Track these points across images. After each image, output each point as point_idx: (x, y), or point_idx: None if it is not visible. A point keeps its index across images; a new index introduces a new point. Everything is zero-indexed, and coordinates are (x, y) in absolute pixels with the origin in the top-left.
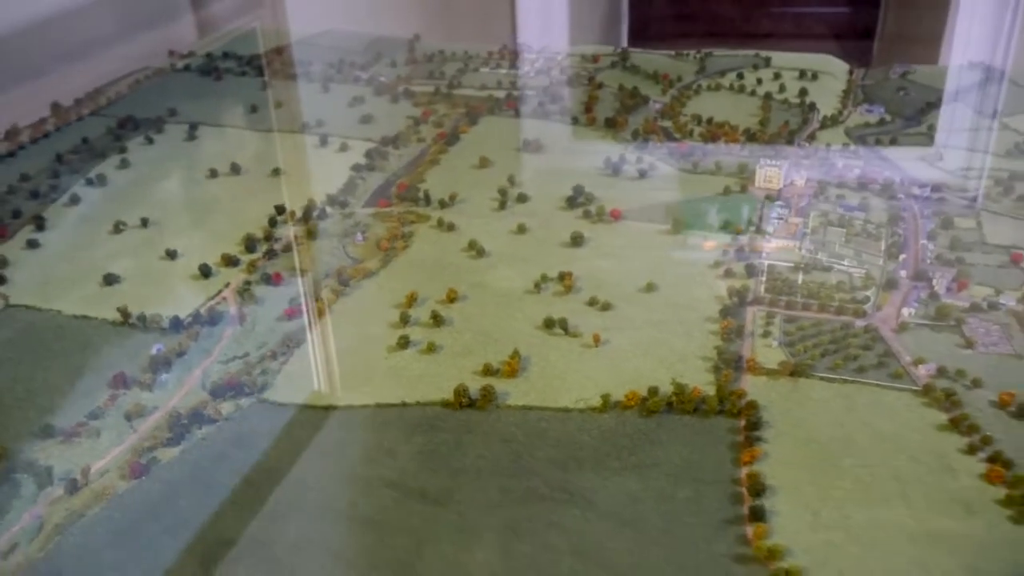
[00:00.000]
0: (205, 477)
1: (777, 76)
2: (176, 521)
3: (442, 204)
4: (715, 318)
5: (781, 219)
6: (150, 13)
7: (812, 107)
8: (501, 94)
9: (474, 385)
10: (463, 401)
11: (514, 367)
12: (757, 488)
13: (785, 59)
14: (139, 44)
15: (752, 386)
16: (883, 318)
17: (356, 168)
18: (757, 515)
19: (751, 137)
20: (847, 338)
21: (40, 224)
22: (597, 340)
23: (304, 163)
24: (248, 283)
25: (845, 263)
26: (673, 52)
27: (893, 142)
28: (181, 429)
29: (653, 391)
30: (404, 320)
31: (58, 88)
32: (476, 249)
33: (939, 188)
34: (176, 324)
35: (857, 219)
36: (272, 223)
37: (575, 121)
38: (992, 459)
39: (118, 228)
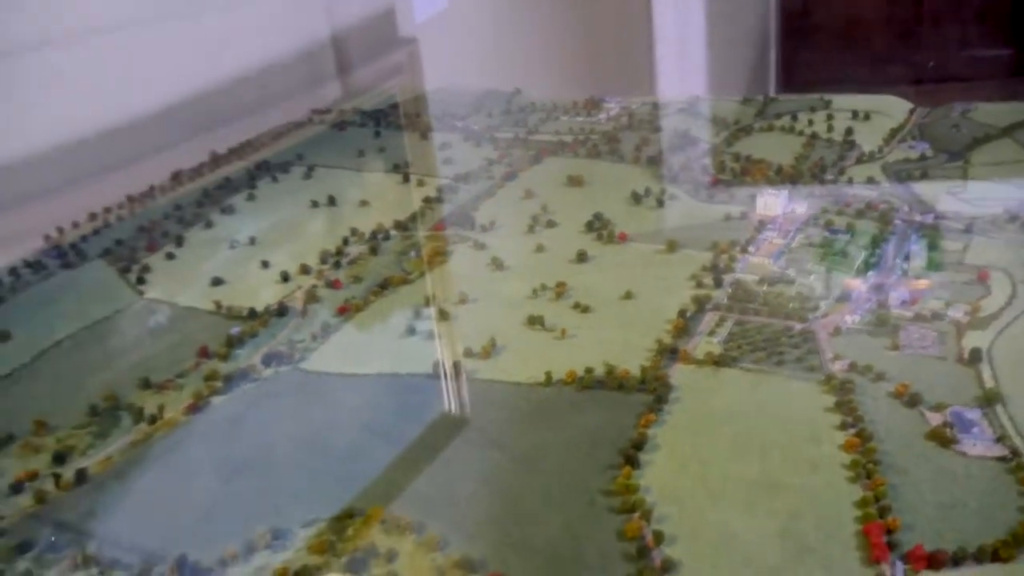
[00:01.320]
0: (234, 415)
1: (830, 117)
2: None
3: (483, 228)
4: (675, 320)
5: (766, 240)
6: (303, 79)
7: (852, 144)
8: (569, 139)
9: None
10: (439, 372)
11: (488, 351)
12: (637, 443)
13: (846, 101)
14: (291, 105)
15: (678, 372)
16: (824, 324)
17: (427, 200)
18: (629, 461)
19: (779, 172)
20: (782, 338)
21: (179, 242)
22: (564, 333)
23: (386, 196)
24: (315, 286)
25: (811, 278)
26: (741, 98)
27: (924, 176)
28: (232, 384)
29: (589, 370)
30: (416, 313)
31: (219, 141)
32: (496, 264)
33: (941, 215)
34: (252, 314)
35: (839, 241)
36: (345, 242)
37: (621, 160)
38: (858, 434)
39: (232, 245)
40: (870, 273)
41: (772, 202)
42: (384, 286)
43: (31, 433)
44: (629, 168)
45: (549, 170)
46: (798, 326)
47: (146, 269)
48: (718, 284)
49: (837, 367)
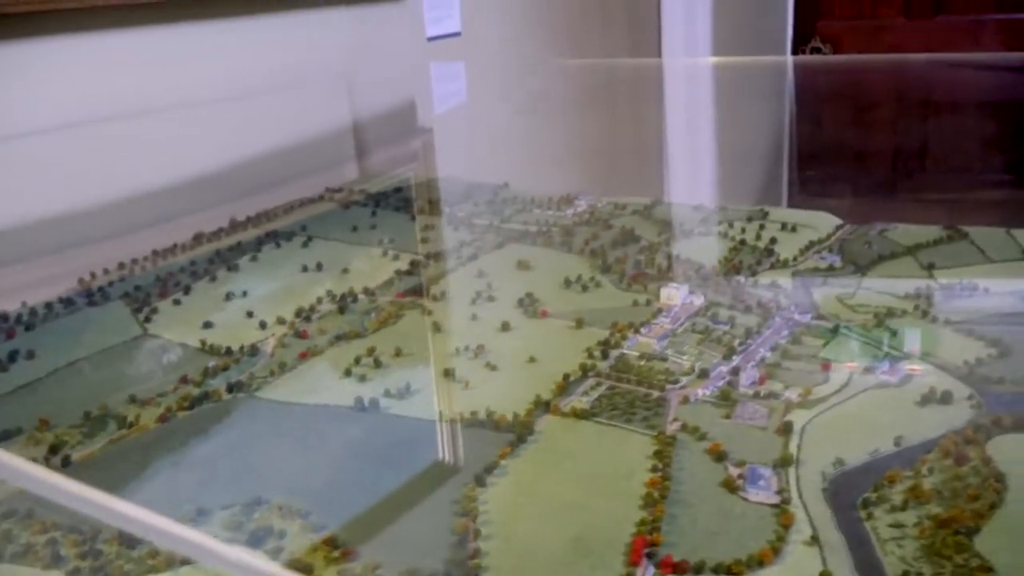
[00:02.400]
0: (190, 425)
1: (762, 227)
2: (166, 439)
3: (434, 298)
4: (559, 382)
5: (658, 324)
6: (325, 160)
7: (771, 251)
8: (533, 229)
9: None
10: (359, 405)
11: (402, 392)
12: (489, 468)
13: (781, 213)
14: (309, 182)
15: (544, 421)
16: (678, 394)
17: (397, 272)
18: (477, 480)
19: (698, 270)
20: (638, 402)
21: (187, 291)
22: (467, 385)
23: (365, 266)
24: (286, 335)
25: (684, 358)
26: (695, 205)
27: (823, 283)
28: (197, 402)
29: (473, 413)
30: (356, 361)
31: (240, 210)
32: (435, 327)
33: (820, 316)
34: (228, 352)
35: (719, 330)
36: (319, 301)
37: (569, 250)
38: (662, 475)
39: (228, 297)
40: (734, 357)
41: (673, 294)
42: (341, 338)
43: (35, 429)
44: (572, 258)
45: (507, 255)
46: (656, 394)
47: (154, 311)
48: (604, 356)
49: (671, 427)
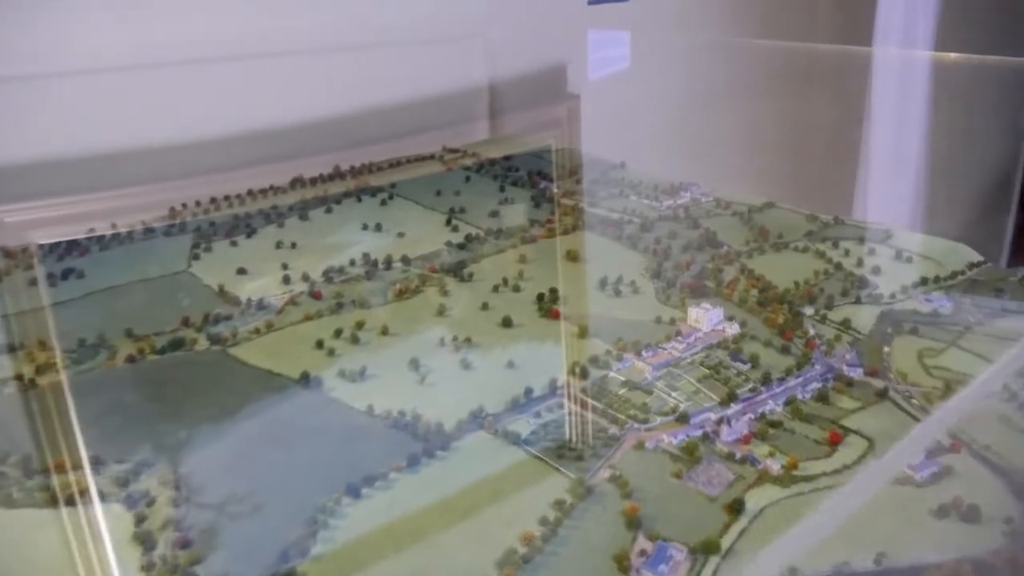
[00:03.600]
0: (148, 369)
1: (872, 252)
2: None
3: (461, 278)
4: (519, 395)
5: (666, 350)
6: (453, 116)
7: (865, 282)
8: (615, 216)
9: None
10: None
11: (355, 376)
12: (371, 479)
13: (905, 239)
14: (430, 138)
15: (471, 438)
16: (638, 435)
17: (448, 244)
18: (350, 490)
19: (763, 291)
20: (588, 435)
21: (250, 234)
22: (423, 380)
23: (422, 233)
24: (301, 293)
25: (673, 394)
26: (808, 214)
27: (913, 331)
28: (172, 347)
29: (402, 413)
30: (337, 333)
31: (350, 158)
32: (442, 309)
33: (878, 373)
34: (238, 302)
35: (733, 369)
36: (352, 263)
37: (634, 246)
38: (545, 534)
39: (278, 245)
40: (732, 405)
41: (702, 316)
42: (348, 305)
43: (36, 347)
44: (632, 255)
45: (566, 242)
46: (614, 430)
47: (208, 250)
48: (585, 375)
49: (600, 475)
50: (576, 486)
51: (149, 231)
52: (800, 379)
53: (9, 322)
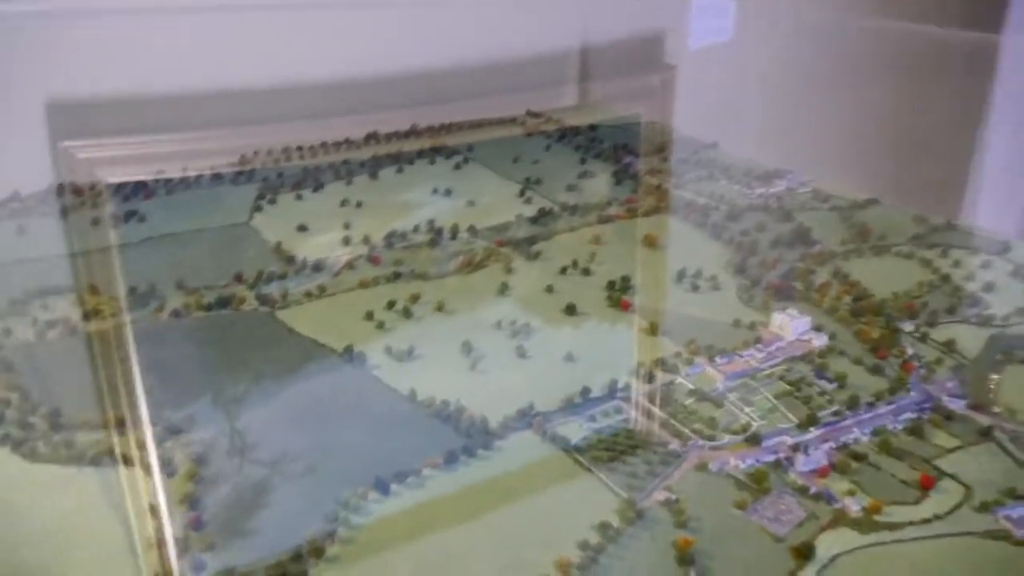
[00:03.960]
0: (191, 327)
1: (986, 264)
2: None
3: (529, 256)
4: (575, 395)
5: (743, 358)
6: (541, 79)
7: (978, 300)
8: (701, 201)
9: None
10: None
11: (402, 355)
12: (403, 475)
13: None
14: (516, 99)
15: (517, 438)
16: (701, 455)
17: (519, 217)
18: (378, 485)
19: (856, 301)
20: (646, 448)
21: (316, 188)
22: (474, 365)
23: (494, 202)
24: (360, 257)
25: (746, 410)
26: (916, 214)
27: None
28: (218, 306)
29: (445, 403)
30: (390, 305)
31: (430, 116)
32: (503, 287)
33: (984, 407)
34: (293, 260)
35: (816, 388)
36: (415, 229)
37: (718, 237)
38: (584, 562)
39: (343, 203)
40: (812, 429)
41: (786, 324)
42: (405, 275)
43: (87, 291)
44: (715, 246)
45: (645, 225)
46: (675, 446)
47: (272, 202)
48: (651, 379)
49: (654, 496)
50: (625, 508)
51: (217, 177)
52: (892, 406)
53: (67, 263)
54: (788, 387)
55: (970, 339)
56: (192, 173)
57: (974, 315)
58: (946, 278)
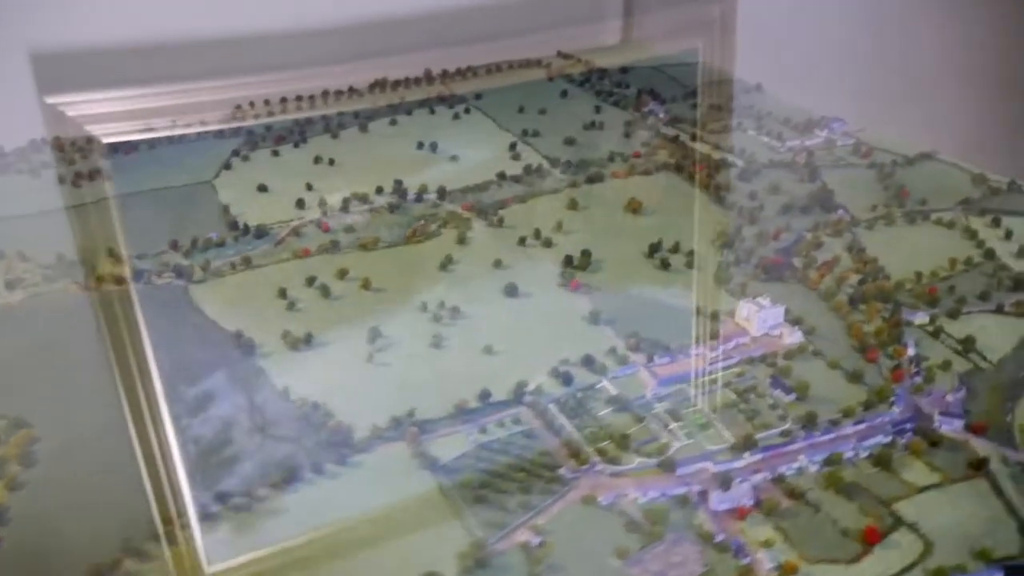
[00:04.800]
0: (100, 300)
1: None
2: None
3: (493, 223)
4: (475, 394)
5: (689, 357)
6: (577, 15)
7: (1017, 282)
8: (718, 156)
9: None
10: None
11: (296, 342)
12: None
13: None
14: (548, 38)
15: (383, 452)
16: (594, 484)
17: (501, 176)
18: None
19: (863, 283)
20: (527, 471)
21: (298, 144)
22: (371, 357)
23: (479, 158)
24: (310, 223)
25: (668, 428)
26: (976, 172)
27: None
28: (136, 277)
29: (316, 406)
30: (309, 282)
31: (446, 60)
32: (448, 261)
33: (987, 428)
34: (236, 226)
35: (767, 401)
36: (379, 191)
37: (721, 201)
38: None
39: (317, 160)
40: (745, 455)
41: (752, 315)
42: (348, 246)
43: (16, 258)
44: (713, 212)
45: (641, 184)
46: (564, 471)
47: (245, 159)
48: (567, 381)
49: (514, 537)
50: (470, 552)
51: (204, 133)
52: (861, 426)
53: (10, 226)
54: (734, 397)
55: (998, 335)
56: (179, 129)
57: (1012, 303)
58: (990, 253)
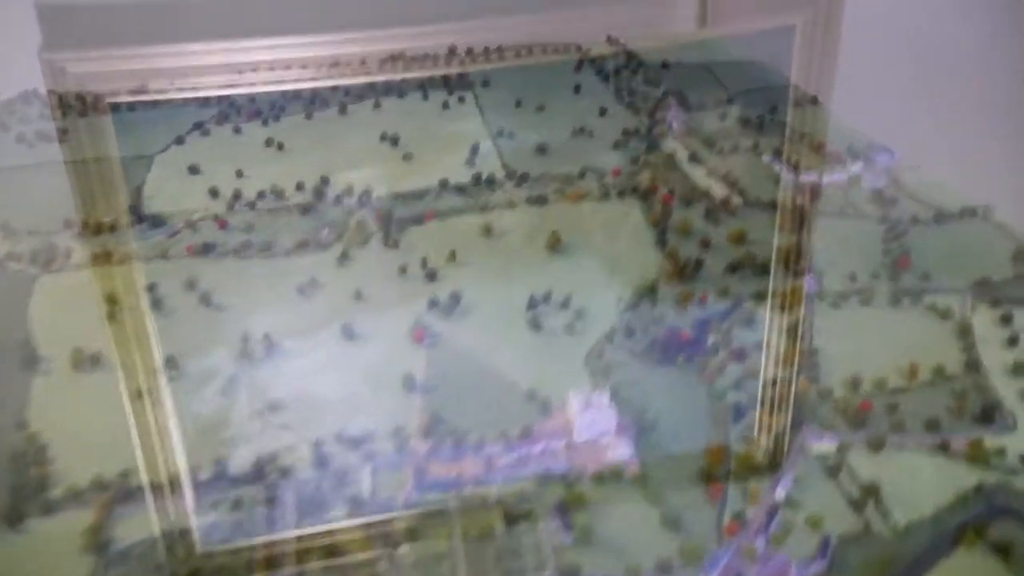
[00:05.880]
0: None
1: None
2: None
3: (388, 243)
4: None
5: (475, 455)
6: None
7: (985, 412)
8: (706, 185)
9: None
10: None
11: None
12: None
13: None
14: (611, 19)
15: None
16: None
17: (443, 183)
18: None
19: (773, 382)
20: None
21: (269, 121)
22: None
23: (438, 160)
24: (210, 217)
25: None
26: None
27: None
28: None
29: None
30: (150, 288)
31: (487, 37)
32: (310, 282)
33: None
34: (135, 210)
35: (543, 535)
36: (298, 187)
37: (659, 244)
38: None
39: (268, 143)
40: None
41: (578, 415)
42: (224, 252)
43: None
44: (652, 259)
45: (582, 214)
46: None
47: (205, 133)
48: (321, 463)
49: None
50: None
51: (192, 99)
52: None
53: None
54: (494, 525)
55: (925, 486)
56: (173, 93)
57: (967, 443)
58: (973, 365)
